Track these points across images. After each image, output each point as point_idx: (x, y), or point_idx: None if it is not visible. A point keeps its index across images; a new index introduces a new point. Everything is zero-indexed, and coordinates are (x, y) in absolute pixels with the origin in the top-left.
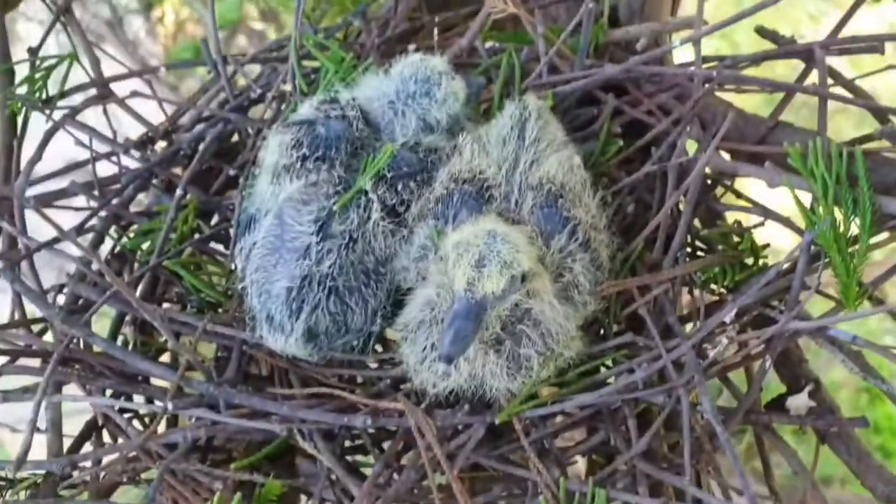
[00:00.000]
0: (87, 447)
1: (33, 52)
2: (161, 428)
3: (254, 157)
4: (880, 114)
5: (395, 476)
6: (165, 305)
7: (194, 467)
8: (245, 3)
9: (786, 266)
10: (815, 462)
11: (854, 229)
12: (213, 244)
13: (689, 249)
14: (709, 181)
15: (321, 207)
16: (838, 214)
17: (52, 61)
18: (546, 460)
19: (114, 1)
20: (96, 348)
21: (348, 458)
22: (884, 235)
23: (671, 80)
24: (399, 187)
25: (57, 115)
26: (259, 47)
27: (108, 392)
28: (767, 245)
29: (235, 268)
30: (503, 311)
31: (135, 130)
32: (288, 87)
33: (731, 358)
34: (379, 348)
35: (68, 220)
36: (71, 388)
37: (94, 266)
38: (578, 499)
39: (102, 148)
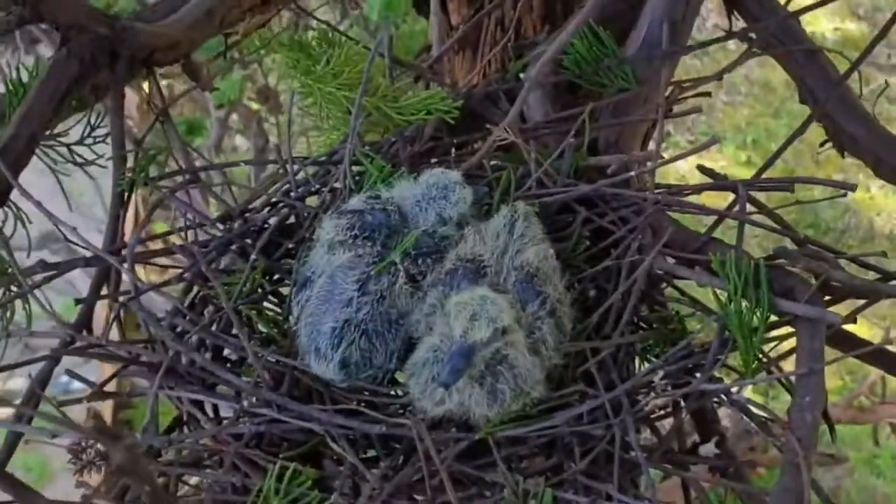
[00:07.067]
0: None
1: (137, 143)
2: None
3: (309, 235)
4: (792, 236)
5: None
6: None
7: (254, 452)
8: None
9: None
10: (724, 500)
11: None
12: (270, 297)
13: (633, 328)
14: (656, 278)
15: (363, 272)
16: (745, 309)
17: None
18: (511, 470)
19: None
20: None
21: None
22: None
23: (630, 199)
24: (419, 262)
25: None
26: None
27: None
28: (693, 332)
29: (290, 314)
30: (487, 355)
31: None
32: (338, 185)
33: (659, 411)
34: (396, 389)
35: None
36: None
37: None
38: (532, 494)
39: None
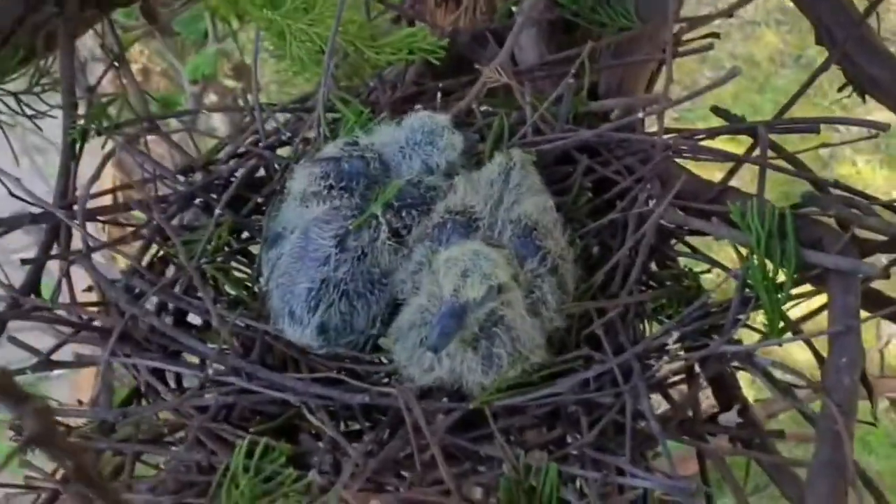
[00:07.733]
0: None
1: (91, 90)
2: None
3: (280, 188)
4: (814, 182)
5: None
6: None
7: (221, 427)
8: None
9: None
10: (746, 473)
11: (782, 276)
12: (238, 256)
13: (643, 286)
14: (666, 232)
15: (340, 227)
16: (770, 264)
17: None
18: (510, 443)
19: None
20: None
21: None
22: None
23: (637, 146)
24: (403, 214)
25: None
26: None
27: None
28: (710, 291)
29: (260, 274)
30: (481, 315)
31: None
32: (311, 134)
33: (673, 377)
34: (380, 356)
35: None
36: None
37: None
38: (534, 470)
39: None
